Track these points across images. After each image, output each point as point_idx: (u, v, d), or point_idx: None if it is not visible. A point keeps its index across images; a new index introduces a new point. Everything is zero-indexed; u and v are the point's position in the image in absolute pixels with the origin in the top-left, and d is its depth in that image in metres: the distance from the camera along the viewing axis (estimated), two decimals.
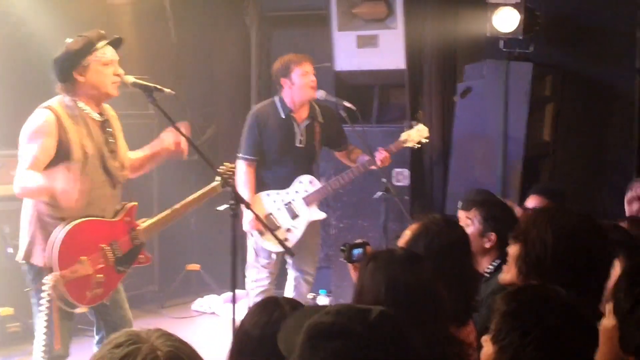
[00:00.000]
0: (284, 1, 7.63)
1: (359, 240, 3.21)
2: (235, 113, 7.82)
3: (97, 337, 4.34)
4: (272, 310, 2.30)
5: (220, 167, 4.33)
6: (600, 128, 6.74)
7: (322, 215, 5.69)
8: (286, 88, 5.51)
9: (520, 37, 6.10)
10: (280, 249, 5.36)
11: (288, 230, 5.52)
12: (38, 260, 3.99)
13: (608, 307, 1.93)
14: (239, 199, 4.07)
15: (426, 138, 5.73)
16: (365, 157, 5.60)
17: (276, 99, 5.59)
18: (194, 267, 7.70)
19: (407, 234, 3.01)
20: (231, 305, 4.26)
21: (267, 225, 4.75)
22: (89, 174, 4.05)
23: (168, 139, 4.38)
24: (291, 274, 5.73)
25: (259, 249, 5.54)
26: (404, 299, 2.33)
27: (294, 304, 2.37)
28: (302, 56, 5.57)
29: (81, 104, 4.08)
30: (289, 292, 5.67)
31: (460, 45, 6.86)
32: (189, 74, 7.57)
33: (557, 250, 2.50)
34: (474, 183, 6.11)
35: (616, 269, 2.56)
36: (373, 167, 5.52)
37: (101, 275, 4.04)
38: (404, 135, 5.67)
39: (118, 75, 4.12)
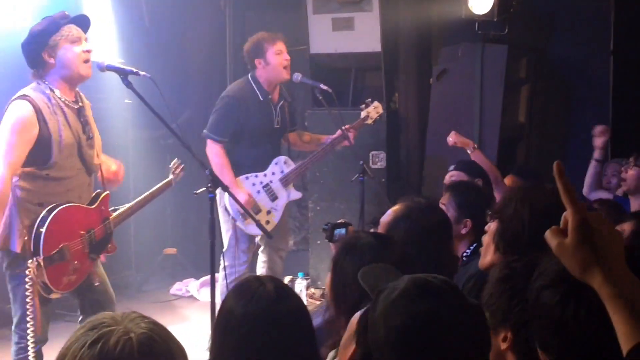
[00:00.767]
0: None
1: (341, 221, 3.22)
2: (211, 95, 7.79)
3: (81, 317, 4.31)
4: (254, 287, 2.31)
5: (172, 163, 4.64)
6: (575, 109, 6.79)
7: (298, 195, 5.70)
8: (260, 68, 5.45)
9: (495, 20, 6.12)
10: (259, 232, 5.37)
11: (268, 212, 5.52)
12: (15, 246, 3.95)
13: None
14: (217, 183, 4.05)
15: (380, 114, 5.79)
16: (330, 137, 5.63)
17: (250, 79, 5.51)
18: (171, 251, 7.69)
19: (389, 215, 3.03)
20: (209, 288, 4.26)
21: (249, 211, 4.74)
22: (66, 162, 4.03)
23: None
24: (262, 256, 5.71)
25: (240, 235, 5.50)
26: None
27: (277, 282, 2.39)
28: (274, 34, 5.50)
29: (57, 92, 4.02)
30: (263, 273, 5.67)
31: (436, 27, 6.88)
32: (162, 57, 7.52)
33: (533, 226, 2.53)
34: (450, 165, 6.14)
35: None
36: (343, 144, 5.57)
37: (77, 262, 4.03)
38: (363, 113, 5.74)
39: (88, 51, 4.05)
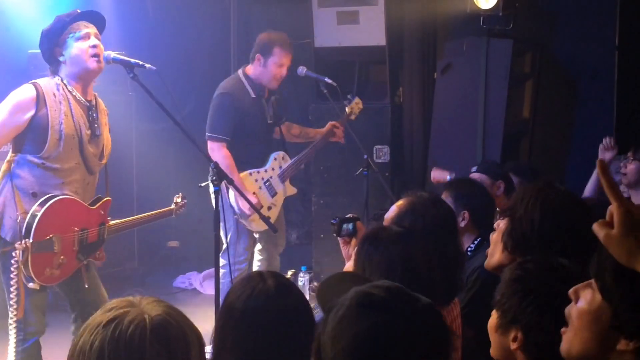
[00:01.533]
0: None
1: (349, 215, 3.21)
2: (214, 89, 7.78)
3: (72, 316, 4.31)
4: (255, 283, 2.32)
5: (176, 198, 4.79)
6: (579, 105, 6.78)
7: (294, 190, 5.72)
8: (256, 65, 5.42)
9: (500, 14, 6.12)
10: (263, 228, 5.37)
11: (269, 208, 5.51)
12: (5, 233, 3.95)
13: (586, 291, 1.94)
14: (222, 176, 4.04)
15: (361, 109, 5.84)
16: (319, 130, 5.69)
17: (242, 76, 5.46)
18: (174, 244, 7.70)
19: (393, 210, 3.02)
20: (212, 281, 4.26)
21: (254, 205, 4.72)
22: (65, 154, 4.02)
23: None
24: (258, 254, 5.70)
25: (242, 232, 5.48)
26: (401, 277, 2.37)
27: (278, 277, 2.39)
28: (289, 45, 5.44)
29: (69, 86, 4.06)
30: (261, 269, 5.66)
31: (441, 22, 6.86)
32: (166, 49, 7.51)
33: (544, 226, 2.52)
34: (453, 159, 6.15)
35: None
36: (336, 139, 5.67)
37: (64, 258, 4.00)
38: (348, 109, 5.77)
39: (94, 46, 4.05)
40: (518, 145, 6.57)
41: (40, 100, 3.94)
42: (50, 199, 3.93)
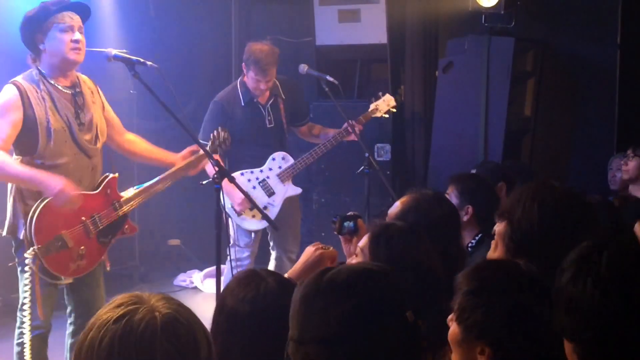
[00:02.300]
0: None
1: (350, 213, 3.20)
2: (216, 87, 7.75)
3: (71, 316, 4.30)
4: (257, 284, 2.26)
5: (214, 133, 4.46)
6: (581, 103, 6.77)
7: (298, 190, 5.68)
8: (247, 78, 5.47)
9: (502, 12, 6.09)
10: (259, 227, 5.36)
11: (265, 208, 5.49)
12: (20, 233, 3.96)
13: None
14: (223, 174, 4.03)
15: (394, 107, 5.72)
16: (331, 130, 5.61)
17: (238, 83, 5.54)
18: (175, 242, 7.69)
19: (396, 207, 3.01)
20: (213, 279, 4.25)
21: (254, 202, 4.71)
22: (61, 148, 4.01)
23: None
24: (274, 254, 5.72)
25: (238, 230, 5.51)
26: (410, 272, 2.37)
27: (276, 276, 2.35)
28: (268, 64, 5.35)
29: (48, 77, 4.02)
30: None
31: (442, 20, 6.85)
32: (168, 48, 7.50)
33: (543, 226, 2.50)
34: (455, 158, 6.14)
35: None
36: (351, 139, 5.50)
37: (83, 248, 4.02)
38: (372, 106, 5.66)
39: (77, 41, 4.00)
40: (520, 143, 6.56)
41: (24, 98, 3.92)
42: (41, 202, 3.90)
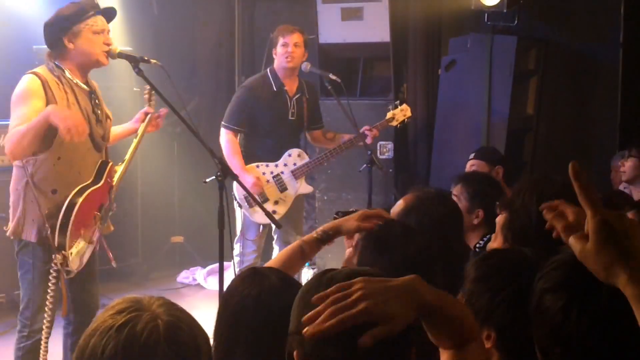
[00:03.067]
0: None
1: (352, 209, 3.20)
2: (219, 84, 7.79)
3: (70, 317, 4.29)
4: (260, 281, 2.28)
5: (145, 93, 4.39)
6: (583, 102, 6.78)
7: (309, 189, 5.72)
8: (275, 59, 5.59)
9: (505, 11, 6.10)
10: (266, 221, 5.38)
11: (276, 202, 5.52)
12: (28, 235, 3.92)
13: None
14: (226, 172, 4.04)
15: (409, 118, 5.76)
16: (346, 135, 5.63)
17: (268, 71, 5.62)
18: (178, 239, 7.70)
19: (399, 205, 3.02)
20: (216, 277, 4.26)
21: (255, 198, 4.74)
22: (78, 142, 3.98)
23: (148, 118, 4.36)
24: (277, 248, 5.73)
25: (248, 223, 5.52)
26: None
27: (277, 272, 2.37)
28: (289, 28, 5.58)
29: (67, 72, 4.01)
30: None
31: (445, 18, 6.86)
32: (171, 45, 7.51)
33: (541, 218, 2.51)
34: (457, 156, 6.14)
35: None
36: (361, 144, 5.52)
37: (95, 239, 4.11)
38: (389, 114, 5.69)
39: (108, 44, 4.05)
40: (522, 141, 6.57)
41: (46, 89, 3.90)
42: (73, 208, 3.88)
